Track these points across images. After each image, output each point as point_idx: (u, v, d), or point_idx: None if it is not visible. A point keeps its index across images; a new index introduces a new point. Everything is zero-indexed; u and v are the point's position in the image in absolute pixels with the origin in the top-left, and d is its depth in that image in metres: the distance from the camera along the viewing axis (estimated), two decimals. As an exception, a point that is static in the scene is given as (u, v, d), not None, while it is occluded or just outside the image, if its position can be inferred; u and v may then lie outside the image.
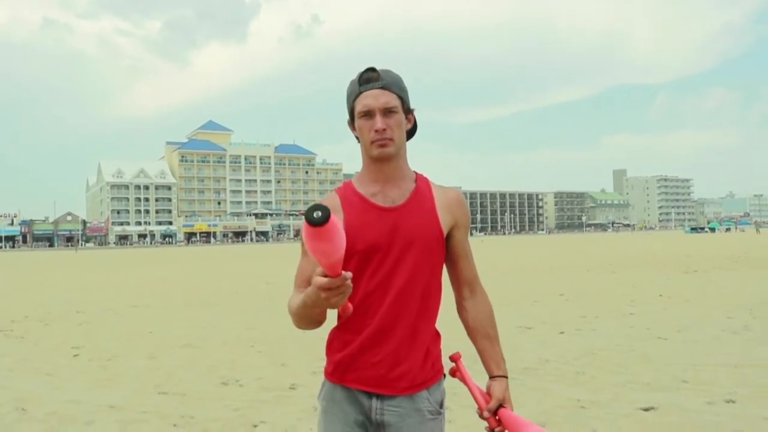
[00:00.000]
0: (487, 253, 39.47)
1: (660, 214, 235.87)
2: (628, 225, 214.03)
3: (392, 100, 1.78)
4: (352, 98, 1.82)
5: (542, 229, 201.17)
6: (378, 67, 1.82)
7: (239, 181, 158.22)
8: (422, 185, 1.88)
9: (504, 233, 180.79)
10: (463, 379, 1.91)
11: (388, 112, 1.77)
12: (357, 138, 1.87)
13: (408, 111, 1.86)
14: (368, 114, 1.78)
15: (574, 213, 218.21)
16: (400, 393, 1.79)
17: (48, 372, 6.69)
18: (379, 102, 1.76)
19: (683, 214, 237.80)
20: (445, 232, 1.86)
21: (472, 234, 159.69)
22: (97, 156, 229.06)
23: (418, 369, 1.80)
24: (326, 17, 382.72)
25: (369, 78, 1.79)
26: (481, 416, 1.85)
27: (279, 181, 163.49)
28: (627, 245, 45.97)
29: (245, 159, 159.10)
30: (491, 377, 1.90)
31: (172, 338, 8.70)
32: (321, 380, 1.91)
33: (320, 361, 6.01)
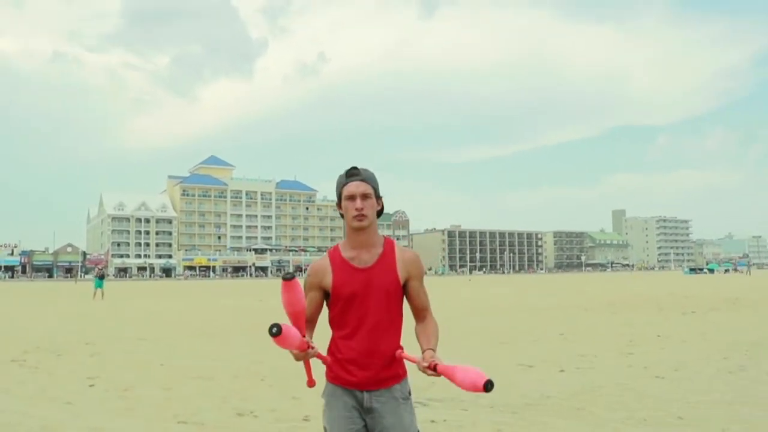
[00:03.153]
0: (486, 292, 39.58)
1: (659, 254, 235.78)
2: (627, 265, 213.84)
3: (368, 189, 2.59)
4: (341, 186, 2.62)
5: (542, 269, 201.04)
6: (359, 167, 2.63)
7: (240, 216, 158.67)
8: (387, 249, 2.66)
9: (503, 272, 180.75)
10: (407, 357, 2.57)
11: (365, 197, 2.58)
12: (341, 215, 2.65)
13: (378, 197, 2.65)
14: (351, 197, 2.58)
15: (573, 253, 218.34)
16: (381, 387, 2.57)
17: (67, 401, 6.91)
18: (360, 189, 2.58)
19: (682, 254, 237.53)
20: (402, 282, 2.65)
21: (471, 272, 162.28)
22: (99, 188, 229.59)
23: (389, 372, 2.59)
24: (332, 55, 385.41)
25: (353, 173, 2.61)
26: (422, 371, 2.40)
27: (279, 217, 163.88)
28: (626, 286, 46.11)
29: (246, 194, 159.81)
30: (423, 351, 2.51)
31: (183, 370, 8.94)
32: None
33: (332, 393, 6.21)
